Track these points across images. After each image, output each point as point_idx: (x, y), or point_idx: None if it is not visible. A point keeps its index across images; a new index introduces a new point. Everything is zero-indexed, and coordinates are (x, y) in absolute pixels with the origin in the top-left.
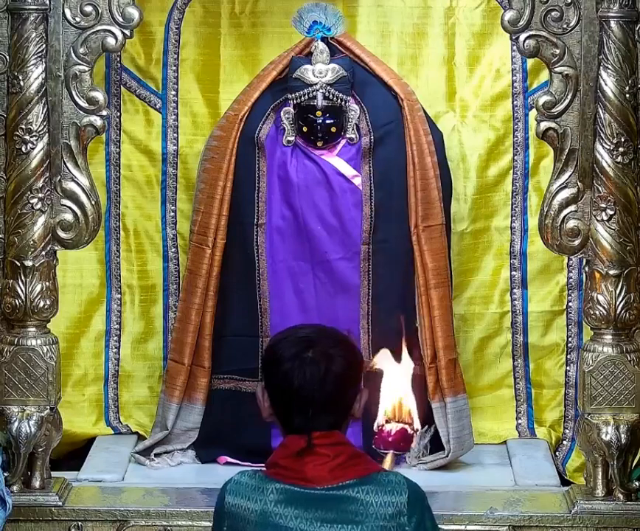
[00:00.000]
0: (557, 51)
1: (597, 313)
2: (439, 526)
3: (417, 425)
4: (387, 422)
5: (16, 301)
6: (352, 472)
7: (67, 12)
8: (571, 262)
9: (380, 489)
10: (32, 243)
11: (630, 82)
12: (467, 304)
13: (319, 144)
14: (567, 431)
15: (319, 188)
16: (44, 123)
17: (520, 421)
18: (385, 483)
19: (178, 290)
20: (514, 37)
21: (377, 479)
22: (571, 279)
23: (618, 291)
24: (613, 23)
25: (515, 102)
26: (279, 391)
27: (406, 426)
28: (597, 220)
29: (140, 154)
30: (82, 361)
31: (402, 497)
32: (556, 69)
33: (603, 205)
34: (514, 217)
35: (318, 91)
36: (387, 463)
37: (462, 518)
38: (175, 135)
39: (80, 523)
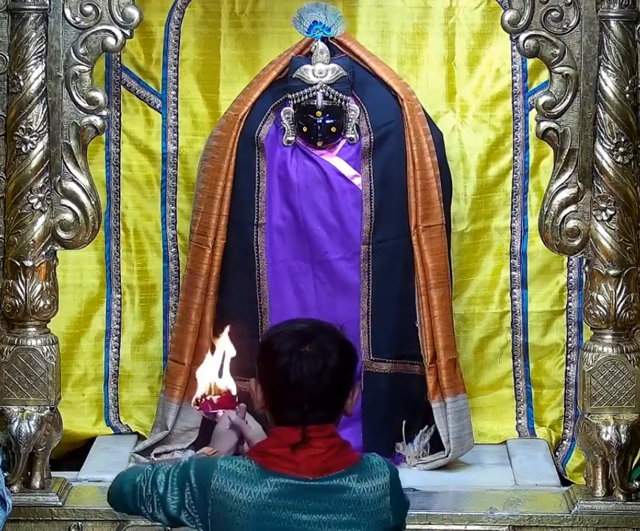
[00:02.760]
0: (557, 51)
1: (597, 313)
2: (441, 527)
3: (234, 391)
4: (204, 396)
5: (16, 301)
6: (342, 462)
7: (67, 12)
8: (571, 262)
9: (367, 475)
10: (32, 243)
11: (630, 82)
12: (467, 304)
13: (319, 144)
14: (567, 431)
15: (319, 188)
16: (44, 123)
17: (520, 421)
18: (369, 467)
19: (178, 290)
20: (514, 37)
21: (362, 465)
22: (571, 279)
23: (618, 291)
24: (613, 23)
25: (515, 102)
26: (274, 386)
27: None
28: (597, 220)
29: (140, 154)
30: (82, 361)
31: (386, 478)
32: (556, 69)
33: (603, 205)
34: (514, 217)
35: (318, 91)
36: (220, 418)
37: (462, 518)
38: (175, 135)
39: (79, 523)
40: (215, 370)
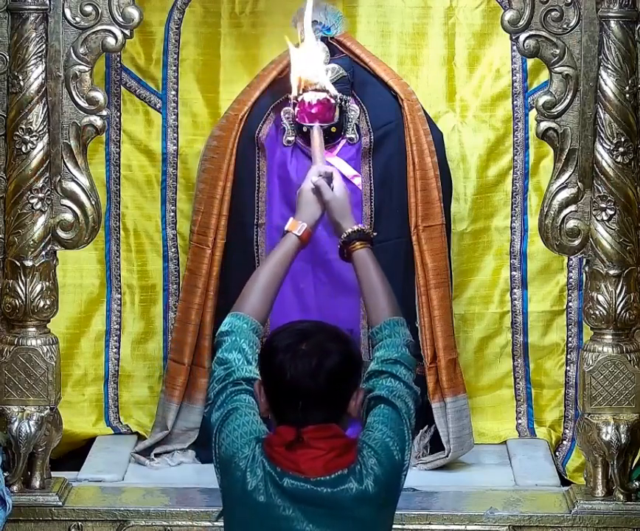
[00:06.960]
0: (557, 51)
1: (597, 313)
2: (441, 527)
3: (334, 91)
4: (304, 91)
5: (16, 301)
6: (344, 462)
7: (67, 12)
8: (571, 262)
9: (365, 472)
10: (32, 243)
11: (630, 82)
12: (467, 304)
13: None
14: (567, 431)
15: None
16: (44, 123)
17: (520, 421)
18: (367, 464)
19: (178, 290)
20: (514, 37)
21: (361, 461)
22: (571, 279)
23: (618, 291)
24: (613, 23)
25: (515, 102)
26: (272, 383)
27: (325, 94)
28: (597, 220)
29: (140, 154)
30: (82, 361)
31: (379, 470)
32: (556, 69)
33: (603, 205)
34: (514, 217)
35: None
36: (316, 139)
37: (462, 518)
38: (175, 135)
39: (80, 523)
40: (312, 64)
